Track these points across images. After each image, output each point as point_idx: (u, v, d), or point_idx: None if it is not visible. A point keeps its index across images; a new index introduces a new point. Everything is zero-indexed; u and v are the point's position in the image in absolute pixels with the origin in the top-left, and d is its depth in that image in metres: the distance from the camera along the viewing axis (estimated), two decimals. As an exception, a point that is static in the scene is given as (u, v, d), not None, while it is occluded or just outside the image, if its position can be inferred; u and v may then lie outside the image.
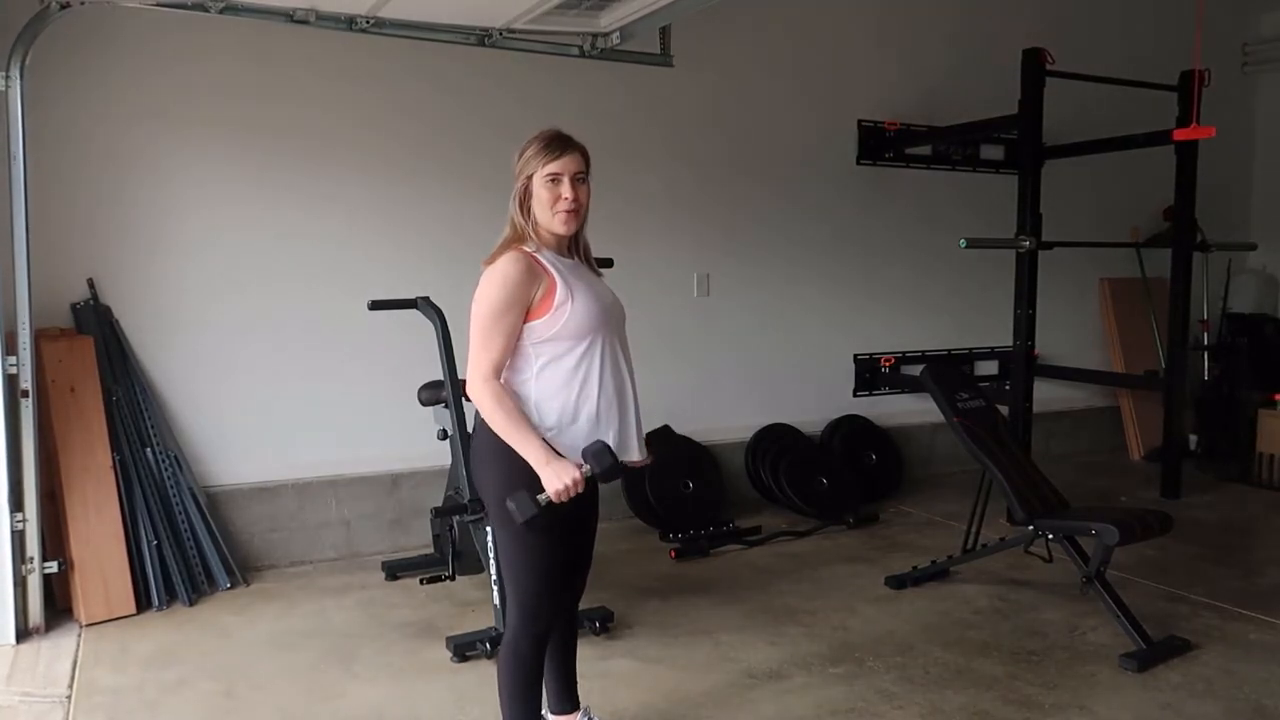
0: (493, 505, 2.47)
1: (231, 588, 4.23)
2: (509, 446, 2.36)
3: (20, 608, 3.71)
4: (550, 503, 2.31)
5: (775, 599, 4.13)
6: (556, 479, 2.30)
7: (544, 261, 2.43)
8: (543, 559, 2.44)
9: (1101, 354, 7.06)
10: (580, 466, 2.33)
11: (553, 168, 2.42)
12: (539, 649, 2.56)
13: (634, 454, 2.52)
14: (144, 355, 4.32)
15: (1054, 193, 5.49)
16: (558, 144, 2.45)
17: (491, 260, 2.42)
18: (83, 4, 3.73)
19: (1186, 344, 5.91)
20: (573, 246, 2.54)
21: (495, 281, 2.37)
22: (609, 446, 2.35)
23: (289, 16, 4.10)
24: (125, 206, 4.26)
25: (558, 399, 2.41)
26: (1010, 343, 5.52)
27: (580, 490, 2.32)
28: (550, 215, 2.44)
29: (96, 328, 4.17)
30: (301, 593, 4.23)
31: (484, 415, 2.37)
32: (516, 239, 2.45)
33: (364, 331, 4.57)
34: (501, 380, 2.40)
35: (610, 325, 2.50)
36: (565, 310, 2.40)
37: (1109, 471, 6.52)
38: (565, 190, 2.43)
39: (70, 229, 4.14)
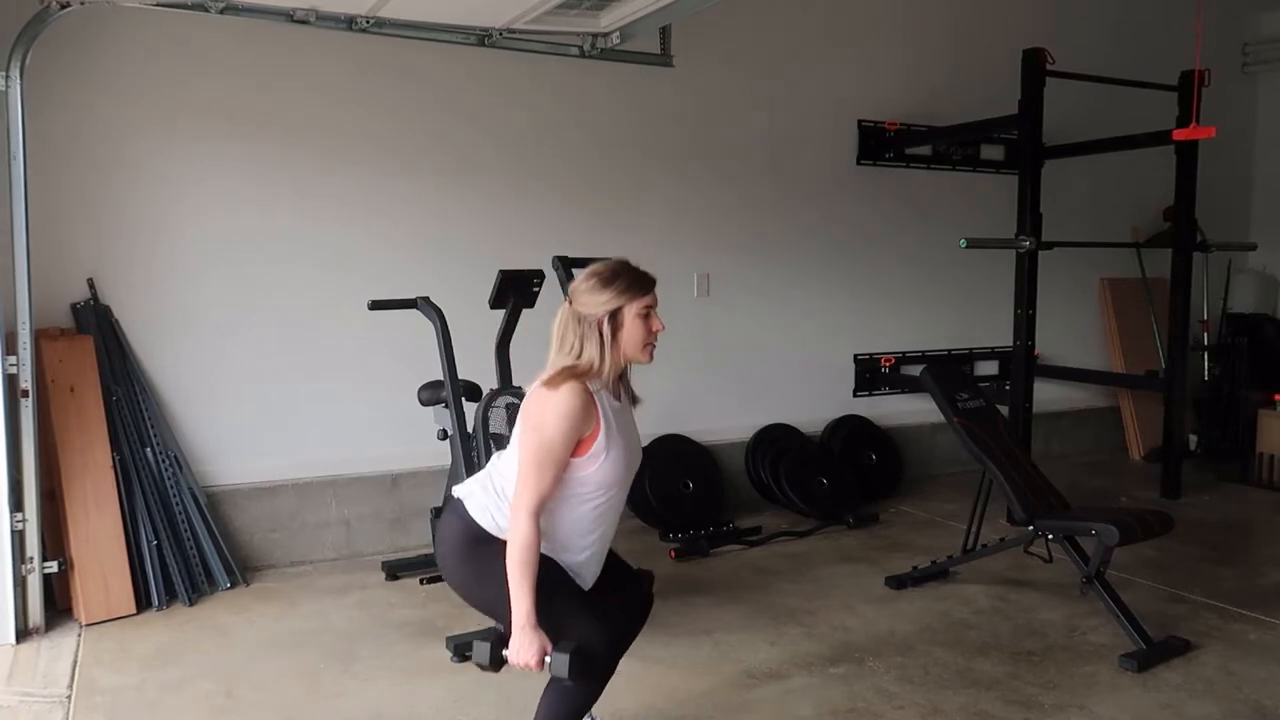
0: (468, 591, 2.54)
1: (231, 588, 4.23)
2: (483, 550, 2.41)
3: (20, 608, 3.71)
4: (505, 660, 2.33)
5: (775, 599, 4.13)
6: (524, 651, 2.30)
7: (600, 405, 2.42)
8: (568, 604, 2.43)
9: (1101, 354, 7.06)
10: (546, 653, 2.31)
11: (647, 301, 2.45)
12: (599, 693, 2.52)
13: (589, 584, 2.54)
14: (144, 355, 4.32)
15: (1054, 193, 5.50)
16: (647, 278, 2.48)
17: (553, 385, 2.36)
18: (83, 4, 3.73)
19: (1186, 344, 5.92)
20: (621, 382, 2.53)
21: (562, 413, 2.33)
22: (577, 660, 2.31)
23: (289, 16, 4.11)
24: (125, 206, 4.26)
25: (560, 530, 2.43)
26: (1010, 343, 5.52)
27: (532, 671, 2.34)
28: (639, 348, 2.45)
29: (96, 328, 4.17)
30: (301, 593, 4.23)
31: (510, 545, 2.32)
32: (585, 372, 2.40)
33: (364, 332, 4.57)
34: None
35: (629, 479, 2.52)
36: (599, 460, 2.40)
37: (1109, 471, 6.52)
38: (656, 323, 2.47)
39: (70, 229, 4.14)
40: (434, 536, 4.32)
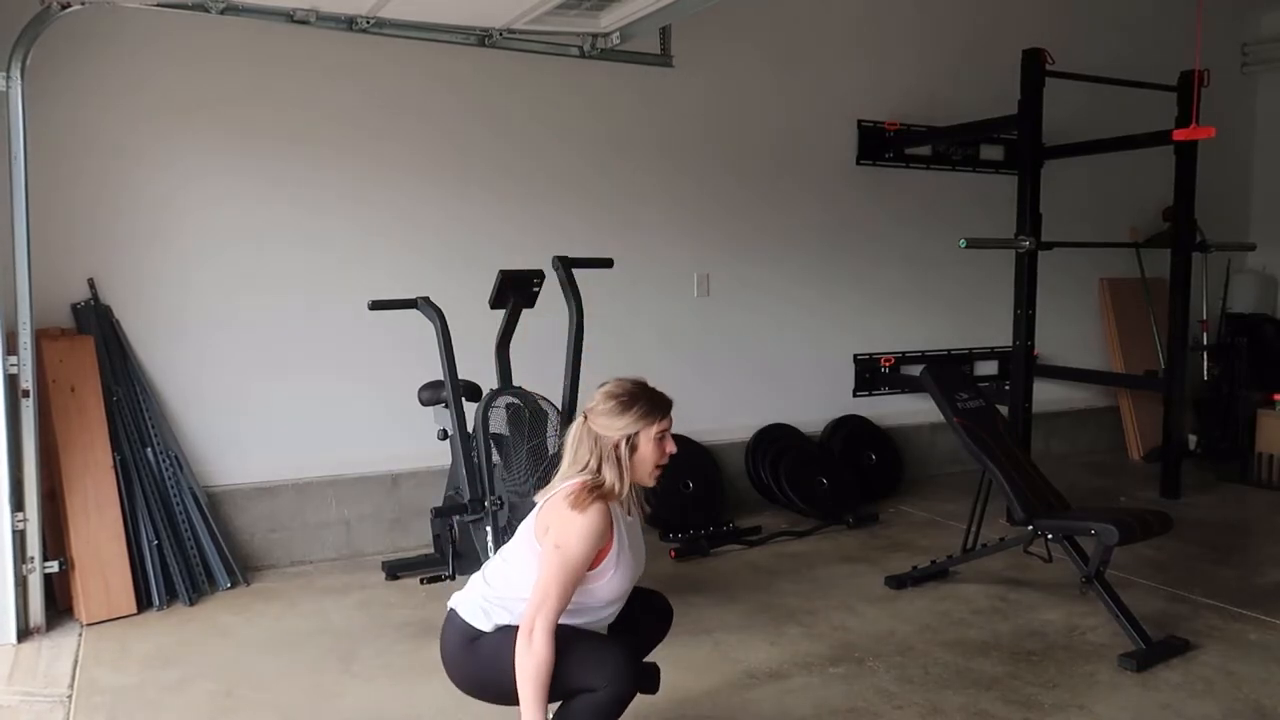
0: (476, 688, 2.56)
1: (232, 587, 4.23)
2: (476, 645, 2.46)
3: (21, 607, 3.72)
4: None
5: (775, 599, 4.13)
6: None
7: (616, 525, 2.46)
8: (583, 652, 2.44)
9: (1101, 354, 7.06)
10: None
11: (664, 426, 2.49)
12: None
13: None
14: (144, 355, 4.32)
15: (1054, 193, 5.50)
16: (664, 401, 2.51)
17: (580, 506, 2.38)
18: (83, 4, 3.73)
19: (1186, 344, 5.92)
20: (632, 496, 2.55)
21: (586, 534, 2.37)
22: None
23: (289, 17, 4.11)
24: (126, 206, 4.27)
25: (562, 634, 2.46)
26: (1010, 343, 5.52)
27: None
28: (649, 472, 2.49)
29: (97, 327, 4.18)
30: (301, 593, 4.23)
31: (523, 662, 2.32)
32: (608, 493, 2.44)
33: (364, 332, 4.57)
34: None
35: (631, 588, 2.56)
36: (607, 575, 2.45)
37: (1109, 471, 6.52)
38: (670, 446, 2.51)
39: (70, 229, 4.15)
40: (437, 546, 4.34)
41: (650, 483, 2.53)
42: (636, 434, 2.45)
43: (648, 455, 2.47)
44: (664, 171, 5.41)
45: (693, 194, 5.51)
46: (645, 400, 2.48)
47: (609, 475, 2.44)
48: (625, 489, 2.46)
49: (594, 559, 2.42)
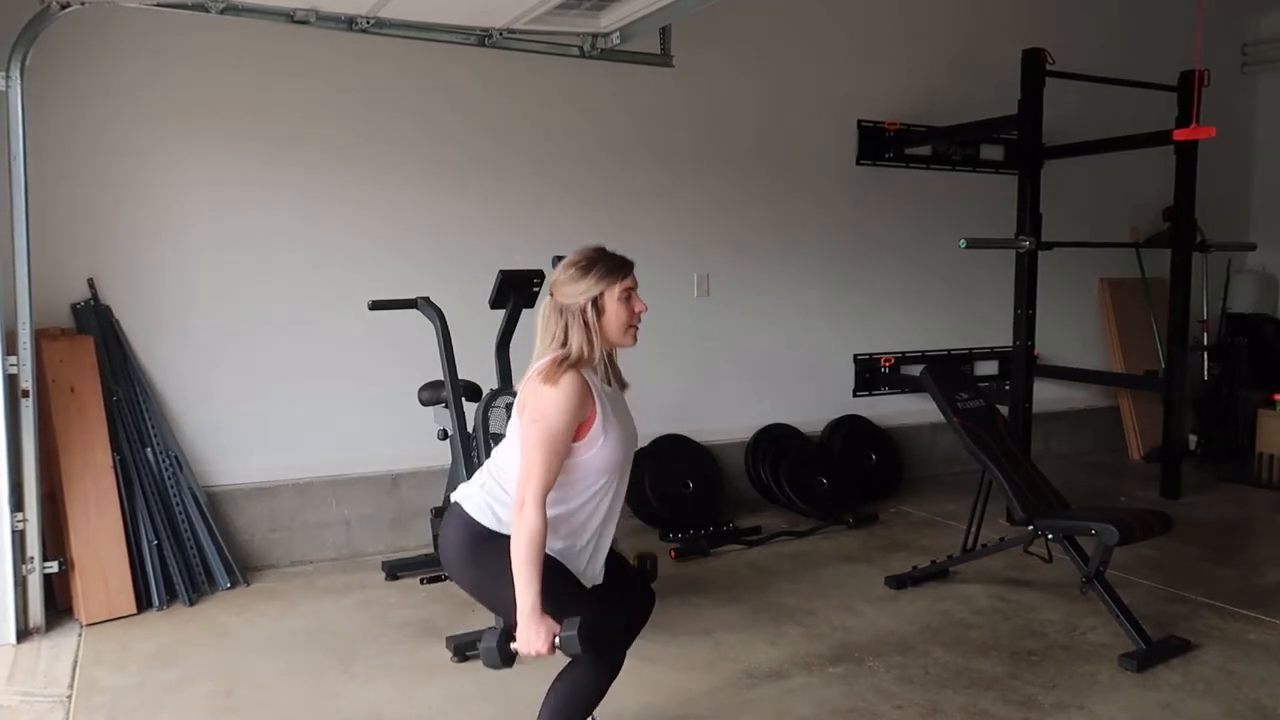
0: (483, 595, 2.55)
1: (232, 587, 4.23)
2: (490, 548, 2.41)
3: (21, 607, 3.72)
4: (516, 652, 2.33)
5: (775, 599, 4.13)
6: (534, 639, 2.30)
7: (595, 390, 2.43)
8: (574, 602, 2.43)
9: (1101, 354, 7.06)
10: (555, 636, 2.30)
11: (627, 284, 2.46)
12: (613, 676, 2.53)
13: (599, 579, 2.56)
14: (144, 355, 4.32)
15: (1054, 193, 5.50)
16: (625, 260, 2.49)
17: (551, 379, 2.36)
18: (83, 4, 3.73)
19: (1186, 344, 5.92)
20: (610, 367, 2.53)
21: (561, 406, 2.34)
22: (585, 630, 2.30)
23: (289, 16, 4.11)
24: (126, 206, 4.27)
25: (561, 523, 2.43)
26: (1010, 343, 5.52)
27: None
28: (623, 331, 2.47)
29: (97, 328, 4.17)
30: (301, 593, 4.23)
31: (515, 534, 2.32)
32: (577, 360, 2.41)
33: (365, 332, 4.57)
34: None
35: (627, 465, 2.53)
36: (597, 444, 2.42)
37: (1109, 471, 6.52)
38: (639, 305, 2.48)
39: (71, 229, 4.14)
40: (436, 545, 4.33)
41: (628, 342, 2.49)
42: (600, 295, 2.42)
43: (615, 315, 2.44)
44: (664, 171, 5.41)
45: (692, 194, 5.51)
46: (604, 262, 2.46)
47: (576, 340, 2.40)
48: (596, 353, 2.43)
49: (579, 430, 2.39)
